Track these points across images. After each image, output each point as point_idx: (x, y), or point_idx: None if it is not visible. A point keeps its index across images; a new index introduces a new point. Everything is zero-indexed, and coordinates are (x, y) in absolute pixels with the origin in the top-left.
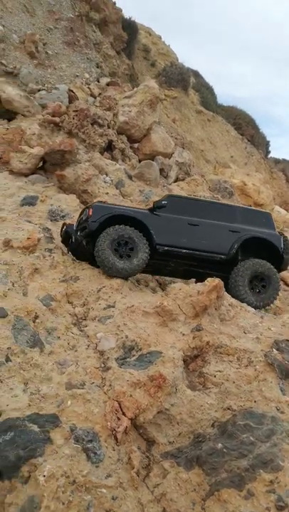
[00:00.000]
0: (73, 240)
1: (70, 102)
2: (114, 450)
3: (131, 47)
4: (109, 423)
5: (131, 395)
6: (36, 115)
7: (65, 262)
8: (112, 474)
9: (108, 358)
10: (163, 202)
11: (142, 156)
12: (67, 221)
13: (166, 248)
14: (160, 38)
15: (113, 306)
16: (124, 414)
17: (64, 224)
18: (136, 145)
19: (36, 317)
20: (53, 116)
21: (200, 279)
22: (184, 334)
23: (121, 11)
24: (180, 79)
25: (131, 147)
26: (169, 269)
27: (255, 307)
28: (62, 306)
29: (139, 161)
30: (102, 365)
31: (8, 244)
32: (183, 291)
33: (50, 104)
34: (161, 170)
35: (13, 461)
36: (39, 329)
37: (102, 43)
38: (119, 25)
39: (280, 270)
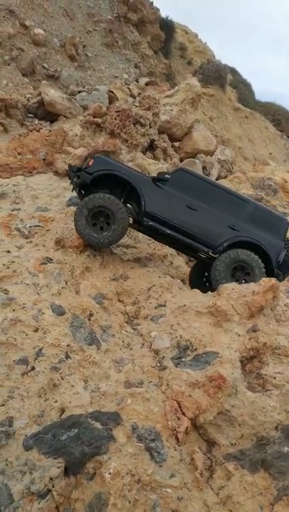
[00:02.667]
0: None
1: (110, 102)
2: (175, 450)
3: (168, 46)
4: (170, 423)
5: (190, 395)
6: (78, 116)
7: (114, 261)
8: (175, 474)
9: (163, 357)
10: (166, 176)
11: (183, 154)
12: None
13: (150, 223)
14: (196, 35)
15: (164, 305)
16: (183, 414)
17: (69, 164)
18: (177, 144)
19: (91, 315)
20: (94, 117)
21: None
22: (239, 335)
23: (158, 10)
24: (217, 76)
25: (172, 146)
26: (158, 240)
27: None
28: (113, 304)
29: (181, 160)
30: (158, 364)
31: (60, 243)
32: (236, 291)
33: (90, 105)
34: (203, 168)
35: (79, 457)
36: (94, 327)
37: (140, 43)
38: (157, 24)
39: None
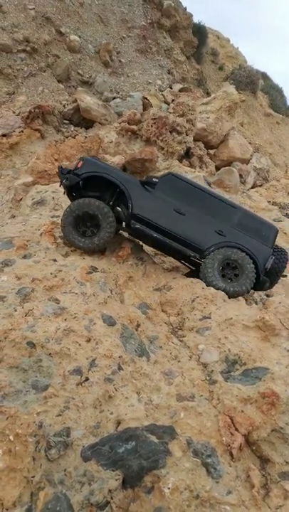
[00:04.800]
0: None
1: (144, 109)
2: (230, 466)
3: (200, 51)
4: (224, 438)
5: (242, 411)
6: (113, 123)
7: (157, 271)
8: (232, 491)
9: (212, 370)
10: (154, 180)
11: (218, 162)
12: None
13: (137, 226)
14: (228, 40)
15: (209, 318)
16: (236, 430)
17: (60, 166)
18: (212, 151)
19: (138, 325)
20: (129, 123)
21: None
22: (288, 350)
23: (191, 16)
24: (249, 82)
25: (207, 153)
26: (148, 245)
27: (226, 294)
28: (157, 314)
29: (217, 168)
30: (208, 378)
31: (103, 252)
32: (283, 304)
33: (125, 112)
34: (239, 176)
35: (137, 470)
36: (142, 338)
37: (173, 48)
38: (190, 30)
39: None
